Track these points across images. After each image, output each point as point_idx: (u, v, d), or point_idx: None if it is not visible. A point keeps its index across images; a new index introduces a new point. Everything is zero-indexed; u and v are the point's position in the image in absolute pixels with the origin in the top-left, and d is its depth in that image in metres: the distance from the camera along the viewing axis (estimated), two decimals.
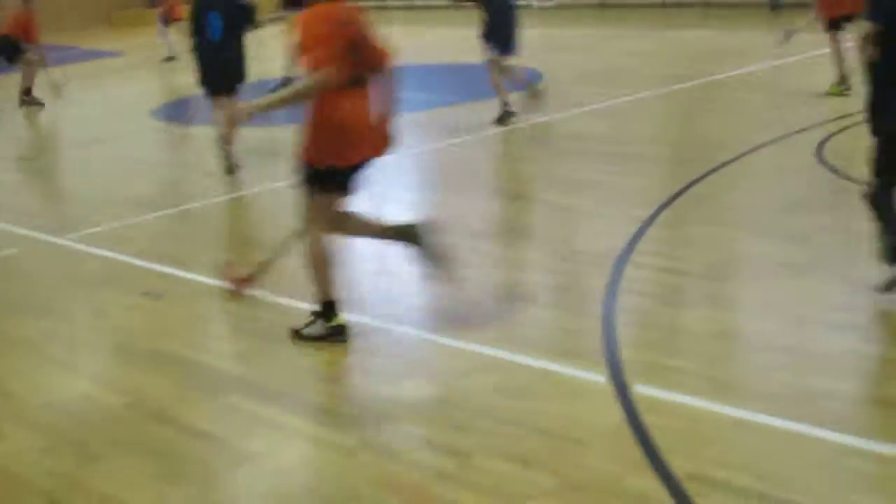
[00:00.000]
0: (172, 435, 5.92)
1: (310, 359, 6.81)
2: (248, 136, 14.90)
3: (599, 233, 8.91)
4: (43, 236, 10.38)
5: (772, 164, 10.95)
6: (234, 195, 11.46)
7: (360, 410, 6.10)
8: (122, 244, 9.81)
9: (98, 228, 10.40)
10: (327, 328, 7.03)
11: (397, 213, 10.31)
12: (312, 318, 7.08)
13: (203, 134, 15.73)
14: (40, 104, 19.03)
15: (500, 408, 5.84)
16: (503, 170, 11.76)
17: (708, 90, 15.02)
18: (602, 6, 26.45)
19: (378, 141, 6.94)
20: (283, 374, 6.65)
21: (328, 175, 6.84)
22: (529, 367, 6.32)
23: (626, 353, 6.36)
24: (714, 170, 10.54)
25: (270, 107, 6.77)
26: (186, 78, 19.81)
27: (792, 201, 9.35)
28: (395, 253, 8.84)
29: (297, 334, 7.07)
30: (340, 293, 6.99)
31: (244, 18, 12.29)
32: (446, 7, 25.07)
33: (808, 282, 7.37)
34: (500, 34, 13.62)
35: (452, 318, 7.21)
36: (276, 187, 11.44)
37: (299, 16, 6.88)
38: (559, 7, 27.33)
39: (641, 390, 5.87)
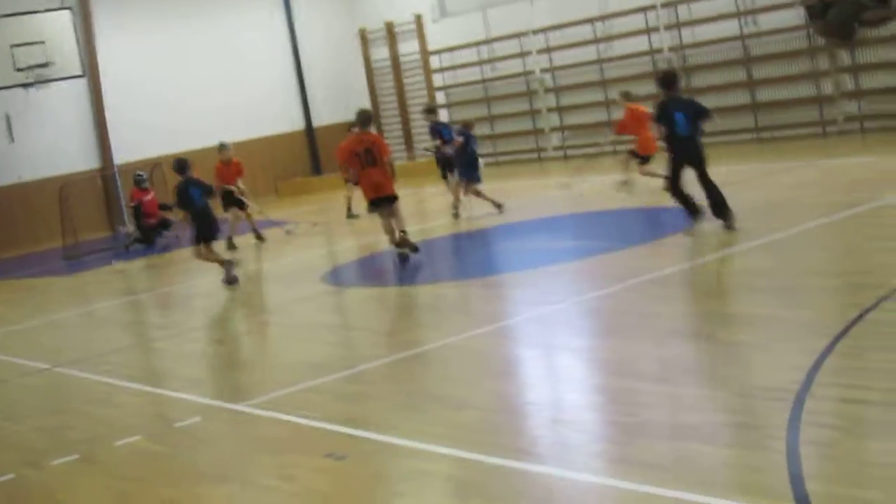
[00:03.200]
0: None
1: None
2: (416, 294, 15.17)
3: (775, 367, 8.80)
4: (223, 404, 10.62)
5: None
6: (406, 353, 11.58)
7: None
8: (301, 408, 9.97)
9: (276, 393, 10.60)
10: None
11: (569, 361, 10.39)
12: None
13: (366, 296, 16.03)
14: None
15: None
16: (670, 310, 11.72)
17: (873, 217, 14.82)
18: (759, 140, 26.40)
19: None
20: None
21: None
22: None
23: (813, 487, 6.25)
24: (888, 296, 10.36)
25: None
26: (351, 242, 20.25)
27: None
28: (571, 401, 8.92)
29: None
30: None
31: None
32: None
33: None
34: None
35: (635, 462, 7.17)
36: (446, 343, 11.58)
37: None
38: (714, 144, 27.33)
39: None
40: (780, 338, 9.64)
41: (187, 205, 18.30)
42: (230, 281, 18.14)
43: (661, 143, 16.67)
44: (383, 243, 18.42)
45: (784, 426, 7.27)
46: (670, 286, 12.71)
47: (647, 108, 19.08)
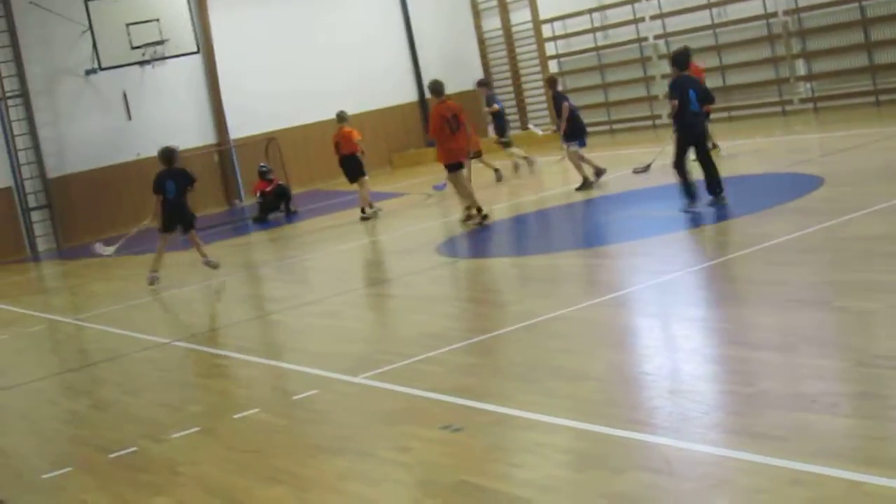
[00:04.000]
0: None
1: (617, 485, 6.78)
2: (531, 265, 15.15)
3: None
4: (341, 376, 10.69)
5: None
6: (521, 324, 11.57)
7: None
8: (418, 380, 10.02)
9: (392, 366, 10.65)
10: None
11: (686, 331, 10.31)
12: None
13: (480, 267, 16.03)
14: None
15: None
16: (788, 278, 11.56)
17: None
18: (878, 103, 25.91)
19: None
20: (590, 501, 6.65)
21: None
22: (838, 479, 6.15)
23: None
24: None
25: None
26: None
27: None
28: (688, 371, 8.84)
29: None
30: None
31: None
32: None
33: None
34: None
35: (752, 433, 7.09)
36: (561, 314, 11.55)
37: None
38: (832, 108, 26.94)
39: None
40: None
41: (160, 192, 18.89)
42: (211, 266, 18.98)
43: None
44: (496, 213, 18.40)
45: None
46: (788, 253, 12.53)
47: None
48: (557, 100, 22.26)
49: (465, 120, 19.55)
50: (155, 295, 18.41)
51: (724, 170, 19.78)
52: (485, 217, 18.96)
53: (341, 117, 24.61)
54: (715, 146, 21.49)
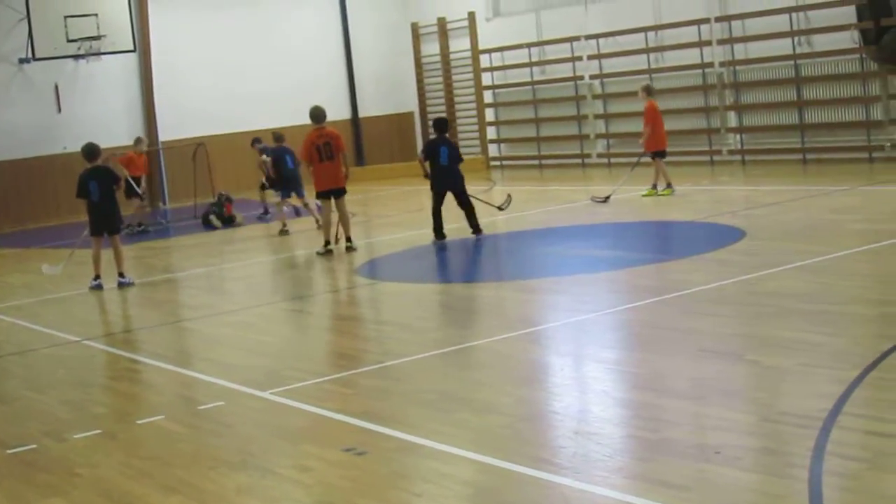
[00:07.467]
0: None
1: None
2: (450, 293, 15.13)
3: (804, 394, 8.74)
4: (248, 390, 10.62)
5: None
6: (435, 352, 11.56)
7: None
8: (325, 400, 9.98)
9: (301, 383, 10.60)
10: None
11: (597, 372, 10.34)
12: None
13: (399, 291, 15.99)
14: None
15: None
16: (702, 328, 11.64)
17: None
18: (804, 161, 26.22)
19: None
20: None
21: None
22: None
23: None
24: None
25: None
26: (389, 236, 20.23)
27: None
28: (596, 413, 8.87)
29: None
30: None
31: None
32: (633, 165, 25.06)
33: None
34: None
35: (654, 480, 7.12)
36: (476, 345, 11.56)
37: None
38: (759, 162, 27.21)
39: None
40: (811, 364, 9.55)
41: (84, 196, 18.16)
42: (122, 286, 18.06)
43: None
44: (422, 238, 18.39)
45: (808, 455, 7.20)
46: (704, 303, 12.62)
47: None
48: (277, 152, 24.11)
49: (339, 150, 19.63)
50: (69, 292, 18.18)
51: (649, 215, 19.98)
52: (329, 252, 19.42)
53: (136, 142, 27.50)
54: (669, 186, 22.62)
